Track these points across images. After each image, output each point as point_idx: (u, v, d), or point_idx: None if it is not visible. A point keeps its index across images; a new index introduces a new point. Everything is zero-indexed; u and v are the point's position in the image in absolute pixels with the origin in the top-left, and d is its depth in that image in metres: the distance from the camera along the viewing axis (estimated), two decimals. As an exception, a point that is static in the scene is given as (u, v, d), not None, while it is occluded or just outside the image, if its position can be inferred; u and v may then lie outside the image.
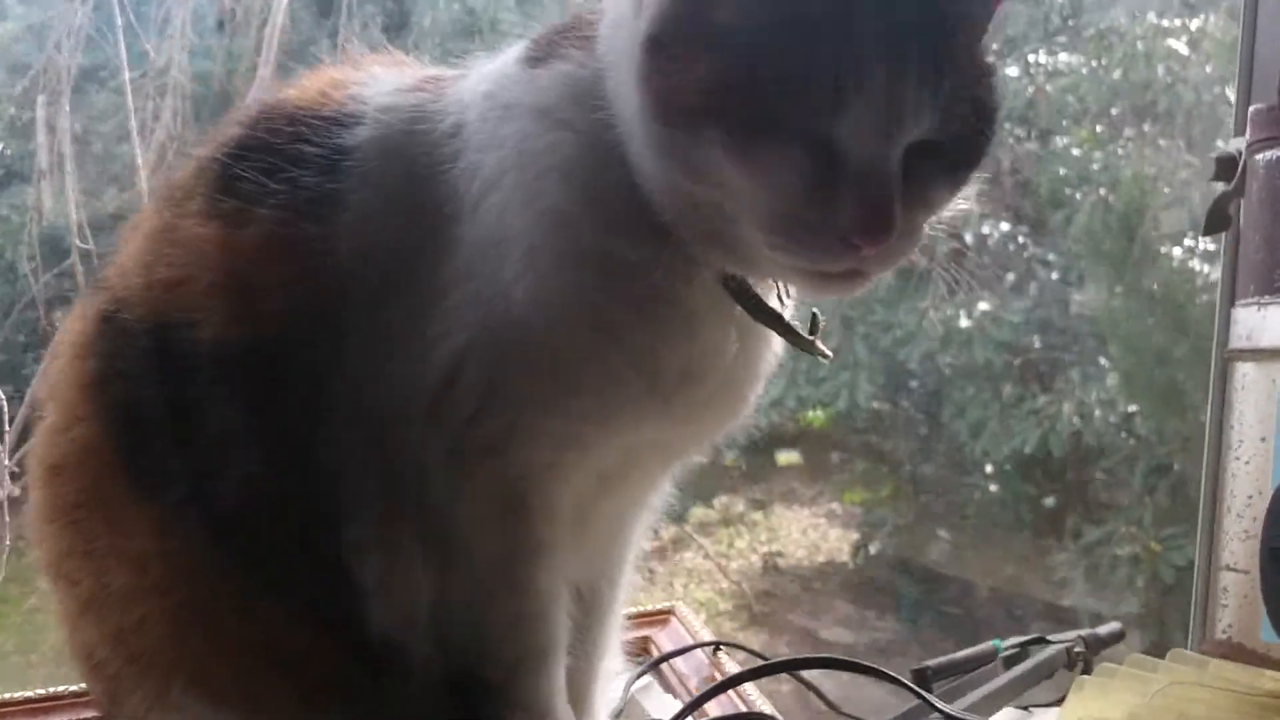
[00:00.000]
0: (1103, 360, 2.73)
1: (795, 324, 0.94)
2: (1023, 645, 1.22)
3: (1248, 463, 1.30)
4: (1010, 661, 1.20)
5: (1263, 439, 1.28)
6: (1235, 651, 1.27)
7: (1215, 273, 2.66)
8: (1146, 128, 2.84)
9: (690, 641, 1.31)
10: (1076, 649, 1.22)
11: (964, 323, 2.97)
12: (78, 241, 2.35)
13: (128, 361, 0.95)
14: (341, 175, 0.93)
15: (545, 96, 0.90)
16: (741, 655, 1.30)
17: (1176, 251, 2.77)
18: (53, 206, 2.46)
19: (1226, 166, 1.42)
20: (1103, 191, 2.71)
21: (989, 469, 2.91)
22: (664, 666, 1.26)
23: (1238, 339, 1.33)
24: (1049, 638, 1.24)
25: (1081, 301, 2.83)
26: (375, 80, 1.01)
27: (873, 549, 3.48)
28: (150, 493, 0.93)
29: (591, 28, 0.92)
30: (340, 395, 0.91)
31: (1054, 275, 3.03)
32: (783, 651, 3.20)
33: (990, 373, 2.85)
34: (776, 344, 0.97)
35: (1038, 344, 2.93)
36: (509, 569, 0.94)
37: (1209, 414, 1.56)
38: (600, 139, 0.85)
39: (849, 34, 0.77)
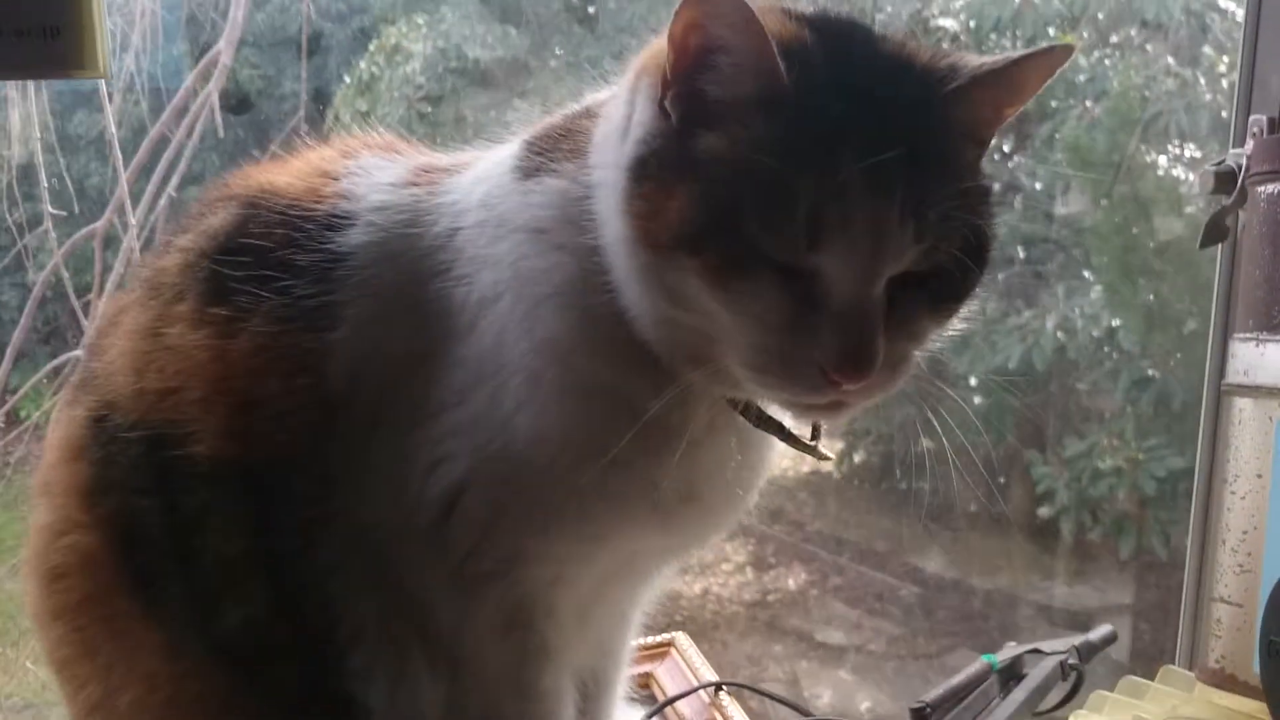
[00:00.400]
0: (1087, 274, 2.72)
1: (796, 432, 0.94)
2: (1015, 659, 1.20)
3: (1243, 498, 1.30)
4: (1004, 674, 1.18)
5: (1259, 475, 1.29)
6: (1228, 682, 1.30)
7: (1198, 183, 2.66)
8: (1134, 35, 2.80)
9: (690, 677, 1.30)
10: (1070, 661, 1.21)
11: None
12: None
13: (123, 471, 0.92)
14: (335, 284, 0.90)
15: (540, 216, 0.89)
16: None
17: (1162, 161, 2.75)
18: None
19: (1225, 180, 1.40)
20: (1089, 103, 2.68)
21: (973, 382, 2.92)
22: (667, 710, 1.25)
23: (1235, 373, 1.32)
24: (1042, 648, 1.22)
25: (1066, 215, 2.81)
26: (367, 173, 0.97)
27: (857, 458, 3.51)
28: (157, 614, 0.91)
29: (584, 136, 0.91)
30: (339, 520, 0.89)
31: (1038, 186, 3.01)
32: (772, 553, 3.26)
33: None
34: (778, 443, 0.95)
35: (1021, 256, 2.92)
36: (516, 677, 0.93)
37: (1200, 441, 1.56)
38: (592, 263, 0.85)
39: (832, 167, 0.75)
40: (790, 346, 0.77)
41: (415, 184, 0.96)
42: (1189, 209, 2.57)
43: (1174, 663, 1.47)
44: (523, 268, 0.87)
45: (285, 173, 0.99)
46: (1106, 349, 2.67)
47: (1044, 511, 2.64)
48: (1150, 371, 2.58)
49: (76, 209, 2.24)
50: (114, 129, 2.17)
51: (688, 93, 0.80)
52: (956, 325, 0.87)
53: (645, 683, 1.31)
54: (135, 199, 2.14)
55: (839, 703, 2.74)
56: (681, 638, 1.37)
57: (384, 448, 0.89)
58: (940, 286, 0.81)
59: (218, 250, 0.93)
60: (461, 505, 0.88)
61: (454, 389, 0.88)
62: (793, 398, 0.80)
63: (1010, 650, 1.21)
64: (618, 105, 0.87)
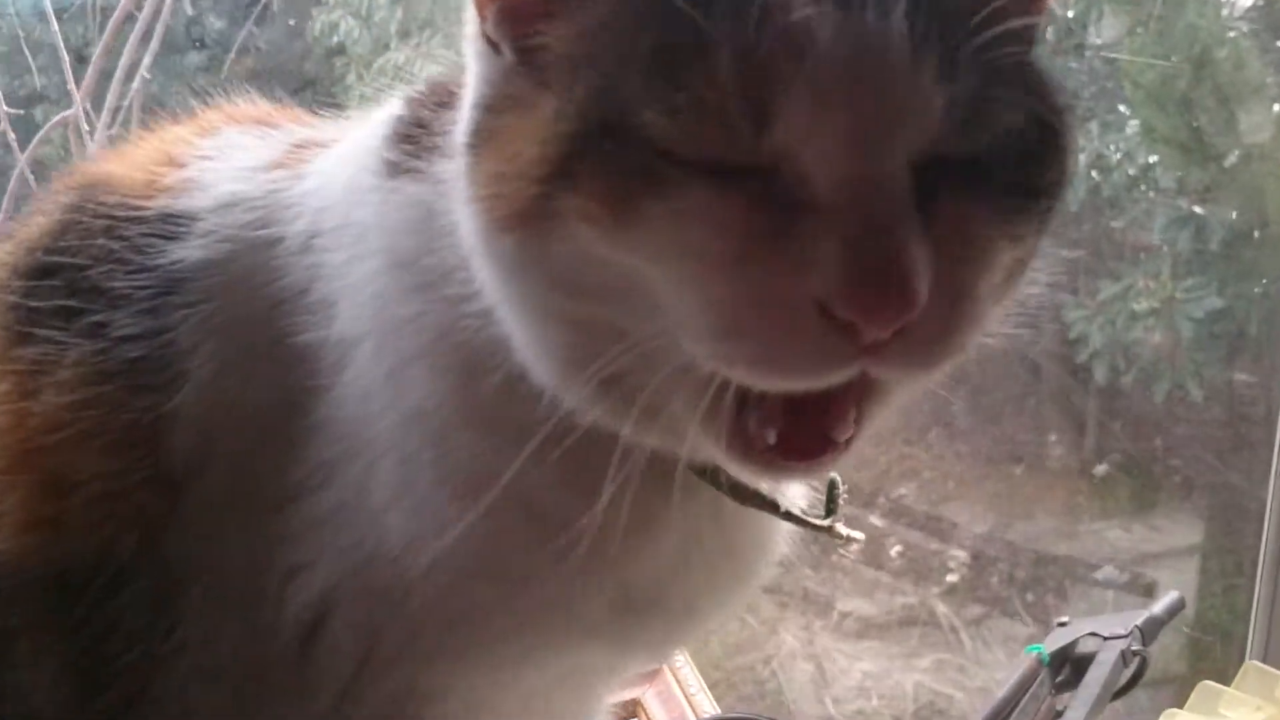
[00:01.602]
0: (1122, 108, 2.60)
1: (796, 508, 0.70)
2: (1068, 646, 1.02)
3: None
4: (1056, 665, 1.00)
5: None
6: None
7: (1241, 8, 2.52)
8: None
9: (682, 700, 1.14)
10: (1133, 647, 1.00)
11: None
12: None
13: None
14: (170, 318, 0.68)
15: (401, 241, 0.67)
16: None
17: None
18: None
19: None
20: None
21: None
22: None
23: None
24: (1099, 629, 1.01)
25: (1100, 44, 2.68)
26: (224, 153, 0.76)
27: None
28: None
29: (456, 114, 0.66)
30: (177, 650, 0.68)
31: (1070, 14, 2.87)
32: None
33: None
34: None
35: (1053, 91, 2.80)
36: None
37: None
38: (471, 307, 0.64)
39: None
40: (763, 282, 0.50)
41: (283, 166, 0.75)
42: (1230, 33, 2.44)
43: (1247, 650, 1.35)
44: (384, 311, 0.67)
45: (129, 158, 0.78)
46: (1143, 186, 2.57)
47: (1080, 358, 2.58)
48: (1190, 208, 2.48)
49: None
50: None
51: (512, 3, 0.58)
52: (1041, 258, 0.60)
53: (632, 711, 1.14)
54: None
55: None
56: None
57: (236, 543, 0.68)
58: (1004, 173, 0.54)
59: (27, 270, 0.73)
60: (327, 630, 0.68)
61: (315, 463, 0.68)
62: (792, 380, 0.53)
63: (1060, 636, 1.03)
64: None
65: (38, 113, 2.22)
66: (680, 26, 0.49)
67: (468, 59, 0.63)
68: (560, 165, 0.53)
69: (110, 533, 0.68)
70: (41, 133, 2.10)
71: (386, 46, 2.47)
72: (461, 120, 0.62)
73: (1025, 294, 0.64)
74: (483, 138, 0.59)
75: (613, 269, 0.54)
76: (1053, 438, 2.84)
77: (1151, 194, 2.58)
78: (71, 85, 1.95)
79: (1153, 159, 2.50)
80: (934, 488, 2.81)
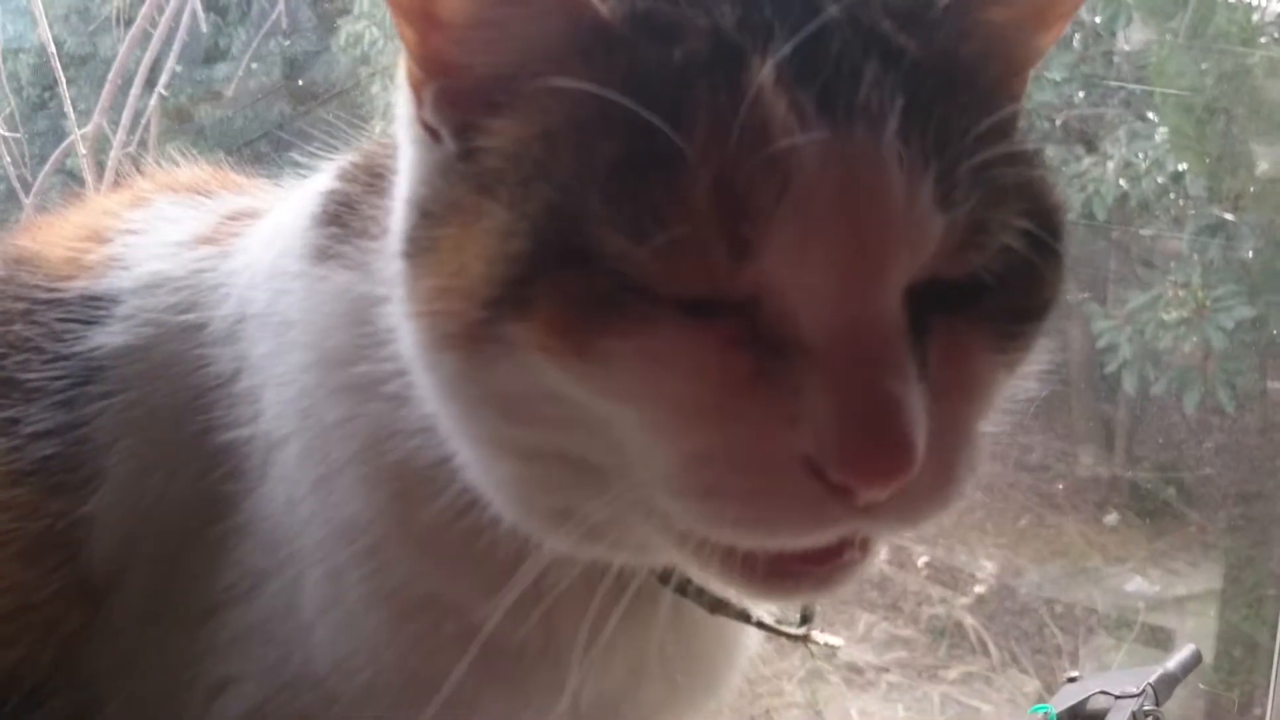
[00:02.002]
0: (1151, 115, 2.58)
1: (770, 616, 0.64)
2: (1078, 705, 0.95)
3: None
4: None
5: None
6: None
7: (1272, 4, 2.49)
8: None
9: None
10: (1145, 707, 0.92)
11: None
12: None
13: None
14: (85, 411, 0.63)
15: (329, 338, 0.61)
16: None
17: (1233, -12, 2.57)
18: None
19: None
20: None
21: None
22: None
23: None
24: (1109, 688, 0.93)
25: (1129, 51, 2.65)
26: (151, 226, 0.71)
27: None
28: None
29: (390, 193, 0.60)
30: None
31: (1098, 20, 2.85)
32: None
33: (1029, 136, 2.66)
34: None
35: (1080, 98, 2.77)
36: None
37: None
38: (409, 417, 0.57)
39: (738, 79, 0.44)
40: (750, 436, 0.44)
41: (210, 240, 0.69)
42: (1262, 39, 2.41)
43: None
44: (311, 413, 0.61)
45: (56, 232, 0.73)
46: (1172, 195, 2.54)
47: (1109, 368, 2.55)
48: (1221, 215, 2.45)
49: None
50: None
51: (453, 88, 0.51)
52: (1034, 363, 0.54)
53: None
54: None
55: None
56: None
57: (156, 656, 0.63)
58: (1001, 296, 0.49)
59: None
60: None
61: (243, 570, 0.62)
62: (779, 543, 0.47)
63: (1070, 694, 0.96)
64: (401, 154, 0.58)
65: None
66: (648, 139, 0.44)
67: (402, 143, 0.57)
68: (511, 289, 0.47)
69: (25, 649, 0.63)
70: (57, 152, 2.06)
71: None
72: (395, 216, 0.56)
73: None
74: (421, 247, 0.52)
75: (570, 403, 0.48)
76: (1081, 448, 2.81)
77: (1181, 201, 2.55)
78: (69, 107, 1.92)
79: (1182, 166, 2.47)
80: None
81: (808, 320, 0.44)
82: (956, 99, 0.46)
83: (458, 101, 0.51)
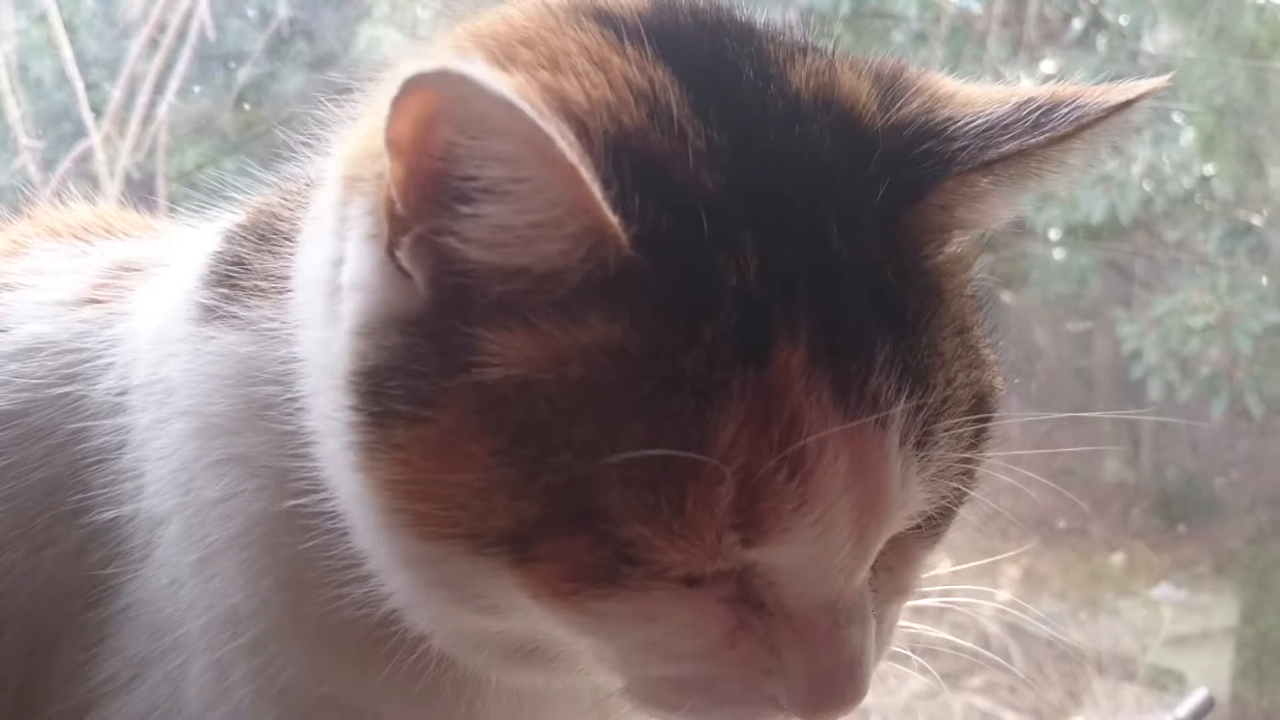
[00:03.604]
0: (1176, 118, 2.55)
1: None
2: None
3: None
4: None
5: None
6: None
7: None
8: None
9: None
10: None
11: (1024, 85, 2.73)
12: None
13: None
14: None
15: (210, 402, 0.56)
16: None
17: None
18: None
19: None
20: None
21: (1053, 236, 2.79)
22: None
23: None
24: None
25: (1154, 54, 2.63)
26: (29, 281, 0.66)
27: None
28: None
29: (285, 251, 0.57)
30: None
31: (1124, 21, 2.82)
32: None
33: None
34: None
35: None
36: None
37: None
38: (300, 490, 0.53)
39: (764, 383, 0.45)
40: (725, 676, 0.49)
41: (95, 300, 0.65)
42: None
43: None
44: (191, 487, 0.57)
45: None
46: (1199, 199, 2.51)
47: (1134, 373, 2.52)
48: (1248, 219, 2.42)
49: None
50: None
51: (440, 241, 0.46)
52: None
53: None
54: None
55: None
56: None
57: None
58: (936, 523, 0.53)
59: None
60: None
61: (124, 658, 0.58)
62: None
63: None
64: (317, 230, 0.54)
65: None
66: (672, 426, 0.44)
67: (333, 213, 0.52)
68: (502, 539, 0.46)
69: None
70: (67, 160, 2.02)
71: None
72: (340, 332, 0.50)
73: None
74: (376, 408, 0.48)
75: (539, 622, 0.49)
76: (1107, 452, 2.78)
77: (1208, 205, 2.52)
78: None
79: (1209, 170, 2.45)
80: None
81: (794, 593, 0.47)
82: (934, 342, 0.49)
83: (441, 260, 0.47)
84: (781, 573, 0.47)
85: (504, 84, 0.42)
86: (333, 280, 0.50)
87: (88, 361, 0.62)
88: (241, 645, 0.56)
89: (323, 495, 0.53)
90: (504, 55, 0.49)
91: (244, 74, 2.49)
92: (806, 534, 0.45)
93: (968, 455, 0.50)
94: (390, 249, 0.47)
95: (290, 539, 0.54)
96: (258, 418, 0.56)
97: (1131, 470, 2.96)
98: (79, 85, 1.90)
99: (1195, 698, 1.10)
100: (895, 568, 0.52)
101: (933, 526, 0.52)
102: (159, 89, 1.90)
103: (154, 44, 1.93)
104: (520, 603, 0.48)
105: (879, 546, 0.48)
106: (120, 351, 0.62)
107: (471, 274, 0.46)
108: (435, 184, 0.45)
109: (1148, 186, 2.46)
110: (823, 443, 0.44)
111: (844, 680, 0.48)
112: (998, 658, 2.40)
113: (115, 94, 1.90)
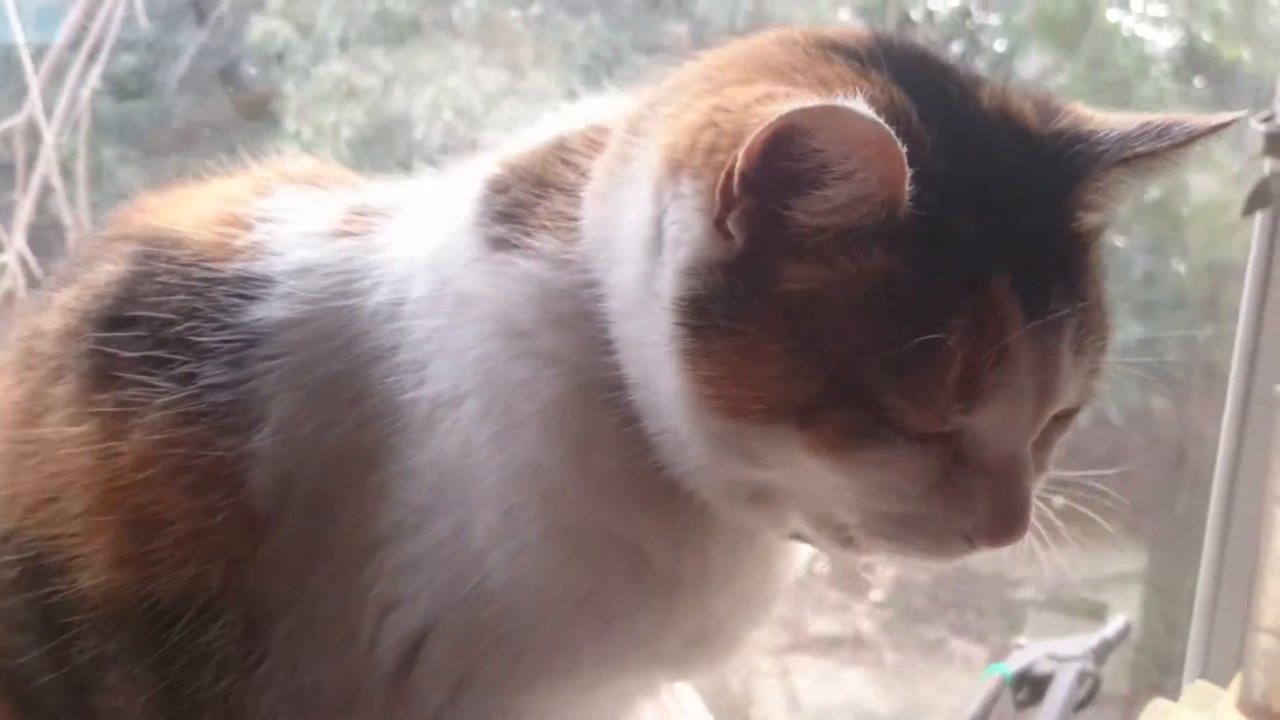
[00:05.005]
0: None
1: None
2: (1028, 665, 1.12)
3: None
4: (1018, 683, 1.11)
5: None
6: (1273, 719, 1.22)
7: (1163, 40, 2.60)
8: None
9: None
10: (1086, 668, 1.12)
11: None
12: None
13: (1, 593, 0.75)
14: (253, 371, 0.73)
15: (515, 313, 0.71)
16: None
17: (1128, 20, 2.67)
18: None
19: (1277, 143, 1.31)
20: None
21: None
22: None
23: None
24: (1055, 651, 1.13)
25: (1026, 78, 2.75)
26: (285, 218, 0.80)
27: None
28: None
29: (568, 196, 0.73)
30: (271, 678, 0.73)
31: (999, 48, 2.94)
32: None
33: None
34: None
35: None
36: None
37: (1222, 443, 1.48)
38: (594, 379, 0.70)
39: (986, 309, 0.63)
40: (932, 514, 0.66)
41: (348, 233, 0.79)
42: (1153, 72, 2.52)
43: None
44: (494, 374, 0.71)
45: (189, 214, 0.81)
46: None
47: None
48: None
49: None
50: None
51: (764, 213, 0.63)
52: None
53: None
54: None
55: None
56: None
57: (324, 583, 0.73)
58: (1073, 410, 0.71)
59: (103, 319, 0.76)
60: (426, 658, 0.73)
61: (409, 508, 0.72)
62: (920, 560, 0.71)
63: (1020, 658, 1.14)
64: (635, 194, 0.69)
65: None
66: (922, 327, 0.61)
67: (652, 187, 0.67)
68: (796, 411, 0.63)
69: (197, 569, 0.71)
70: None
71: (325, 57, 2.44)
72: (665, 269, 0.66)
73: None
74: (697, 325, 0.64)
75: (807, 471, 0.65)
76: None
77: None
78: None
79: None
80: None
81: (992, 449, 0.65)
82: (1087, 285, 0.68)
83: (763, 226, 0.63)
84: (983, 432, 0.65)
85: (863, 104, 0.58)
86: (654, 236, 0.66)
87: (355, 281, 0.76)
88: (535, 494, 0.71)
89: (618, 385, 0.69)
90: (785, 81, 0.66)
91: (128, 61, 2.42)
92: (1004, 404, 0.64)
93: (1099, 364, 0.69)
94: (719, 220, 0.64)
95: (585, 413, 0.70)
96: (555, 324, 0.71)
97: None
98: (30, 73, 1.85)
99: (1116, 623, 1.25)
100: (1039, 447, 0.69)
101: (1067, 418, 0.70)
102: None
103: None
104: (796, 458, 0.64)
105: (1045, 421, 0.67)
106: (389, 273, 0.76)
107: (793, 234, 0.63)
108: (784, 178, 0.62)
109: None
110: (1019, 341, 0.63)
111: (1020, 513, 0.66)
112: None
113: (37, 79, 1.85)
